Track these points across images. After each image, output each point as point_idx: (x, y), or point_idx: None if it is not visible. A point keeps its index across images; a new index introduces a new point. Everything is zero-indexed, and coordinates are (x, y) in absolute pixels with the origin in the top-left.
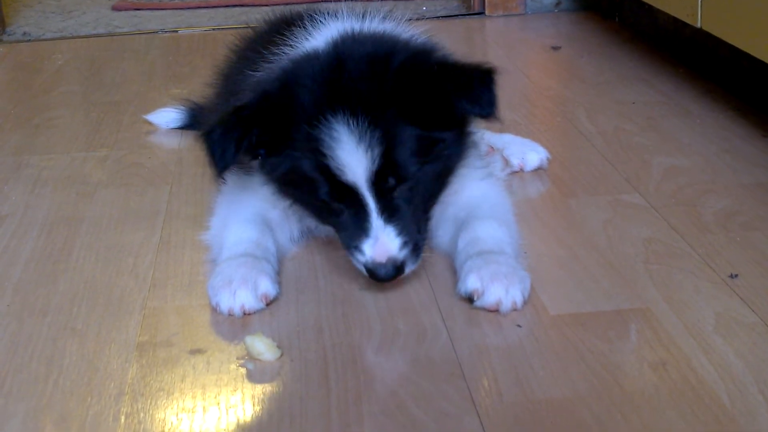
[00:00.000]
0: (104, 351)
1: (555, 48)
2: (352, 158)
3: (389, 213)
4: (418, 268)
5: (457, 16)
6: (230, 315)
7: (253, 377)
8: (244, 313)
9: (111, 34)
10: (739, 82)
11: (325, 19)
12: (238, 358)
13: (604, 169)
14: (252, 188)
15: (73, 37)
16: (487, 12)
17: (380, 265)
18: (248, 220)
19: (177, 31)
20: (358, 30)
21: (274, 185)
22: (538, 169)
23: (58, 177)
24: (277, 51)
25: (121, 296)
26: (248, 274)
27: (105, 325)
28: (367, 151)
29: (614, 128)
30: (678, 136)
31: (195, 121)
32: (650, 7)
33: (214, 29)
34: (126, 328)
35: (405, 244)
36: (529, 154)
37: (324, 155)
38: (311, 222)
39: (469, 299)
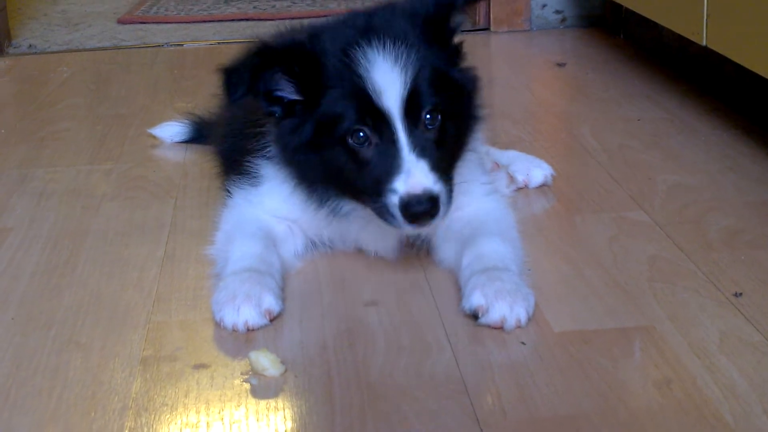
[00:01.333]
0: (108, 365)
1: (560, 64)
2: (388, 80)
3: (421, 148)
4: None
5: (462, 31)
6: (234, 331)
7: (257, 393)
8: (248, 330)
9: (116, 47)
10: (745, 100)
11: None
12: (242, 374)
13: (608, 186)
14: (257, 203)
15: (78, 50)
16: (492, 28)
17: (415, 197)
18: (253, 234)
19: (182, 45)
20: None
21: (294, 155)
22: (542, 186)
23: (63, 190)
24: None
25: (126, 310)
26: (252, 289)
27: (109, 339)
28: (401, 75)
29: (619, 145)
30: (683, 153)
31: (199, 134)
32: (655, 24)
33: (219, 43)
34: (130, 342)
35: (439, 179)
36: (534, 170)
37: (361, 78)
38: (315, 235)
39: (474, 316)
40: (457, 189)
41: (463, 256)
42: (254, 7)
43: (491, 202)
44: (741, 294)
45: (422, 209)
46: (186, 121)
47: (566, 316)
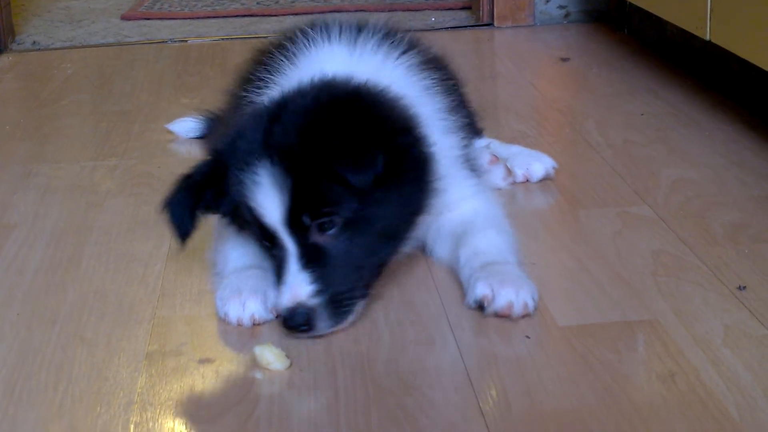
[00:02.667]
0: (113, 360)
1: (564, 59)
2: (268, 201)
3: (308, 259)
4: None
5: (465, 27)
6: (239, 325)
7: (262, 387)
8: (254, 323)
9: (120, 44)
10: (749, 94)
11: (307, 48)
12: (247, 368)
13: (612, 180)
14: None
15: (82, 47)
16: (495, 23)
17: (287, 310)
18: None
19: (186, 41)
20: (319, 77)
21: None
22: (545, 179)
23: (67, 186)
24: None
25: (131, 305)
26: (258, 285)
27: (114, 334)
28: (281, 194)
29: (623, 140)
30: (687, 148)
31: (214, 131)
32: (659, 19)
33: (223, 39)
34: (135, 338)
35: (319, 293)
36: (534, 164)
37: (248, 198)
38: None
39: (480, 308)
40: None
41: (460, 253)
42: (258, 3)
43: (479, 199)
44: (745, 287)
45: (293, 324)
46: (201, 117)
47: (571, 310)
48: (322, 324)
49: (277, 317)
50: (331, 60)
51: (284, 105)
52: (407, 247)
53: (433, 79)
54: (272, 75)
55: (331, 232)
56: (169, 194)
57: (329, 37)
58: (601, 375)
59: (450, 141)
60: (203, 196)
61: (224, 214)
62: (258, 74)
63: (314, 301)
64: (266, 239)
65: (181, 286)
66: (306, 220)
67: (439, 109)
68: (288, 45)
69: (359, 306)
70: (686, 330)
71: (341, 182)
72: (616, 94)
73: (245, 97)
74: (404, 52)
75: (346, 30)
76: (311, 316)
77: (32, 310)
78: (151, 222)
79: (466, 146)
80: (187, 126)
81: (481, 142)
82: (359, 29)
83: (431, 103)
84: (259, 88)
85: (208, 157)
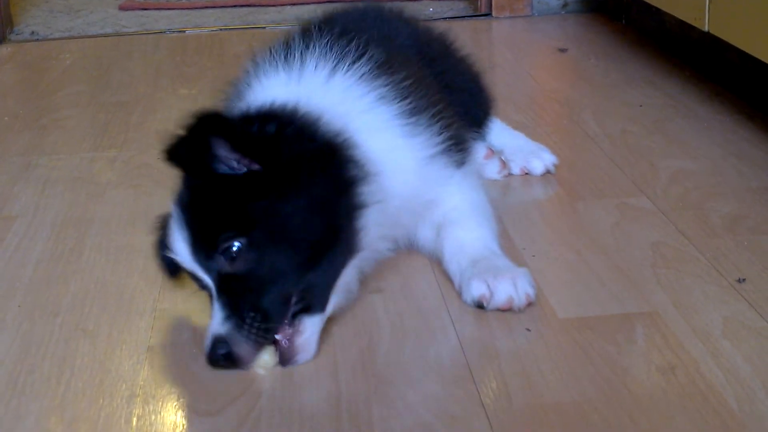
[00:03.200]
0: (116, 352)
1: (562, 50)
2: (177, 245)
3: (224, 289)
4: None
5: (463, 17)
6: None
7: (263, 380)
8: None
9: (118, 34)
10: (747, 85)
11: (255, 77)
12: None
13: (611, 172)
14: None
15: (80, 37)
16: (493, 13)
17: (207, 346)
18: None
19: (184, 31)
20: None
21: None
22: (544, 174)
23: (67, 177)
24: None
25: (132, 297)
26: None
27: (116, 326)
28: (181, 230)
29: (621, 131)
30: (685, 139)
31: None
32: (657, 9)
33: (221, 29)
34: (137, 330)
35: (227, 318)
36: (533, 161)
37: (167, 247)
38: None
39: (479, 306)
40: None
41: (443, 247)
42: None
43: (461, 190)
44: (744, 280)
45: (213, 357)
46: None
47: (570, 302)
48: (241, 349)
49: None
50: (276, 87)
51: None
52: (388, 247)
53: (388, 83)
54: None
55: (237, 255)
56: (157, 237)
57: (277, 62)
58: (601, 367)
59: (416, 142)
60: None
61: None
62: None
63: (226, 328)
64: (200, 286)
65: (182, 277)
66: (209, 253)
67: (395, 116)
68: (244, 75)
69: (309, 324)
70: (686, 322)
71: (231, 205)
72: (614, 85)
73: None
74: (354, 61)
75: (295, 48)
76: (230, 351)
77: (34, 302)
78: (152, 214)
79: (447, 139)
80: None
81: (490, 125)
82: (308, 44)
83: (380, 113)
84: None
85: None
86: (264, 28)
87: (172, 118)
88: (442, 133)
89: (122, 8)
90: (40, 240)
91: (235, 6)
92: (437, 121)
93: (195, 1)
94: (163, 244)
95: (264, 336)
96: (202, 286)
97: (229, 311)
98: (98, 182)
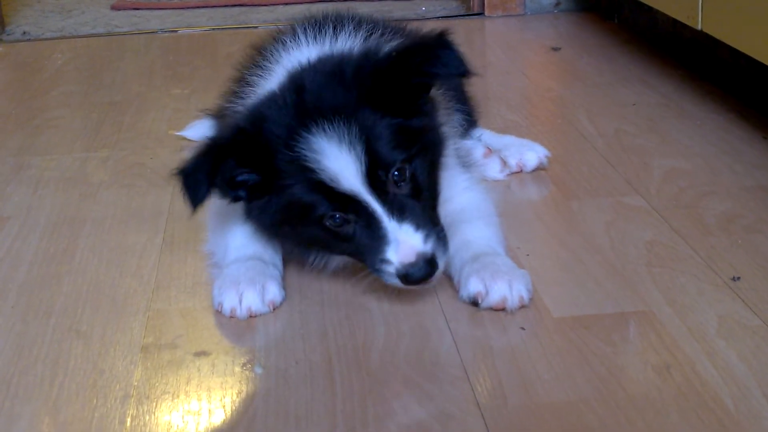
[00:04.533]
0: (109, 353)
1: (555, 49)
2: (341, 163)
3: (399, 212)
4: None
5: (456, 16)
6: (232, 316)
7: (258, 380)
8: (250, 315)
9: (110, 34)
10: (740, 84)
11: (289, 46)
12: (243, 361)
13: (605, 171)
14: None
15: (72, 37)
16: (486, 13)
17: (411, 265)
18: None
19: (176, 31)
20: (316, 56)
21: (271, 230)
22: (538, 169)
23: (59, 178)
24: (247, 84)
25: (125, 298)
26: (256, 277)
27: (109, 327)
28: (351, 152)
29: (615, 130)
30: (678, 137)
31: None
32: (650, 8)
33: (213, 29)
34: (131, 330)
35: (427, 236)
36: (527, 153)
37: (314, 171)
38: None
39: (474, 303)
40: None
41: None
42: None
43: (470, 191)
44: (739, 278)
45: (422, 275)
46: (210, 118)
47: (565, 301)
48: (441, 261)
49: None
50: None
51: (299, 80)
52: None
53: None
54: (251, 83)
55: (404, 181)
56: (186, 160)
57: (306, 34)
58: (596, 366)
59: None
60: (224, 162)
61: (266, 210)
62: (248, 75)
63: (430, 245)
64: (344, 210)
65: (176, 278)
66: (381, 173)
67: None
68: (273, 45)
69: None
70: (681, 321)
71: (399, 130)
72: (607, 84)
73: (240, 95)
74: (383, 37)
75: (320, 25)
76: (432, 260)
77: (27, 303)
78: (145, 214)
79: (460, 136)
80: (200, 130)
81: (476, 133)
82: (335, 22)
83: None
84: (242, 97)
85: (229, 130)
86: (256, 27)
87: (165, 117)
88: (460, 126)
89: (114, 8)
90: (32, 241)
91: (227, 6)
92: (459, 114)
93: (187, 0)
94: (199, 169)
95: (446, 243)
96: (337, 208)
97: (422, 229)
98: (91, 182)
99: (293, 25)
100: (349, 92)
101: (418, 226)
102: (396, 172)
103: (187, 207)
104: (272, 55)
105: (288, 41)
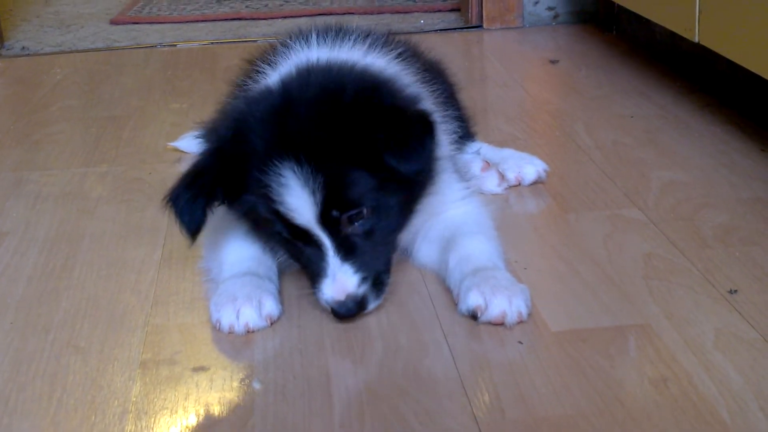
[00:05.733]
0: (107, 368)
1: (553, 61)
2: (300, 202)
3: (346, 250)
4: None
5: (455, 29)
6: (231, 332)
7: (256, 395)
8: (248, 331)
9: (109, 48)
10: (737, 96)
11: (288, 49)
12: (242, 376)
13: (602, 183)
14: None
15: (71, 52)
16: (484, 25)
17: (340, 303)
18: (245, 238)
19: (175, 45)
20: (315, 62)
21: (246, 226)
22: (536, 183)
23: (58, 193)
24: (243, 85)
25: (124, 313)
26: (253, 292)
27: (108, 343)
28: (312, 195)
29: (613, 142)
30: (676, 150)
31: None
32: (648, 20)
33: (212, 43)
34: (129, 346)
35: (364, 279)
36: (526, 167)
37: (273, 200)
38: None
39: (473, 316)
40: (431, 198)
41: (449, 258)
42: (246, 7)
43: (467, 205)
44: (736, 291)
45: (346, 313)
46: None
47: (563, 314)
48: (371, 305)
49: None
50: (311, 56)
51: (288, 95)
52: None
53: (419, 72)
54: (247, 83)
55: (360, 221)
56: (175, 189)
57: (308, 39)
58: (593, 380)
59: (442, 138)
60: (213, 192)
61: (234, 211)
62: (245, 82)
63: (362, 289)
64: (296, 237)
65: (174, 293)
66: (336, 214)
67: (431, 103)
68: (272, 51)
69: (389, 279)
70: (678, 334)
71: (371, 171)
72: (605, 96)
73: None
74: (386, 44)
75: (323, 33)
76: (361, 302)
77: (26, 318)
78: (144, 229)
79: (457, 148)
80: (192, 141)
81: (473, 146)
82: (338, 30)
83: (416, 89)
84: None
85: (212, 151)
86: (255, 41)
87: (163, 132)
88: (457, 137)
89: (113, 22)
90: (31, 256)
91: (226, 20)
92: (456, 124)
93: (186, 14)
94: (190, 199)
95: (381, 290)
96: (296, 237)
97: (360, 272)
98: (89, 197)
99: (300, 30)
100: (330, 132)
101: (358, 269)
102: (353, 213)
103: (184, 236)
104: (280, 53)
105: (294, 45)
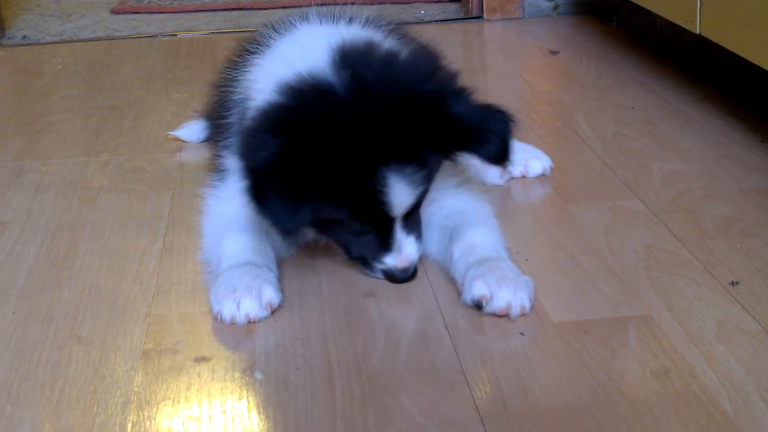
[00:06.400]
0: (110, 358)
1: (553, 52)
2: (402, 199)
3: (409, 226)
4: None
5: (455, 20)
6: (233, 323)
7: (258, 385)
8: (249, 322)
9: (110, 38)
10: (738, 87)
11: (295, 28)
12: (243, 367)
13: (604, 174)
14: (228, 199)
15: (72, 41)
16: (485, 16)
17: (401, 270)
18: (242, 228)
19: (176, 35)
20: (349, 43)
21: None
22: (540, 176)
23: (60, 182)
24: (250, 65)
25: (126, 303)
26: (252, 282)
27: (110, 333)
28: (413, 193)
29: (613, 133)
30: (677, 141)
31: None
32: (648, 11)
33: (213, 33)
34: (131, 336)
35: (419, 247)
36: (532, 161)
37: (380, 203)
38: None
39: (477, 306)
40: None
41: (453, 248)
42: None
43: (465, 192)
44: (737, 282)
45: (406, 277)
46: (203, 117)
47: (564, 306)
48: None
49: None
50: (320, 34)
51: (356, 89)
52: None
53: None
54: (258, 55)
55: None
56: (267, 187)
57: (309, 18)
58: (595, 371)
59: None
60: (312, 196)
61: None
62: (242, 59)
63: (418, 254)
64: (374, 225)
65: (176, 283)
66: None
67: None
68: (273, 28)
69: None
70: (679, 325)
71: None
72: (605, 87)
73: (233, 81)
74: (390, 29)
75: (327, 13)
76: (415, 268)
77: (28, 308)
78: (145, 218)
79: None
80: (192, 130)
81: None
82: (340, 13)
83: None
84: (245, 68)
85: (292, 147)
86: (256, 31)
87: (164, 121)
88: None
89: (114, 12)
90: (33, 245)
91: (226, 9)
92: None
93: (187, 4)
94: (308, 216)
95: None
96: (370, 223)
97: (417, 243)
98: (91, 187)
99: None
100: (418, 133)
101: (416, 238)
102: (420, 196)
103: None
104: (279, 33)
105: (297, 22)
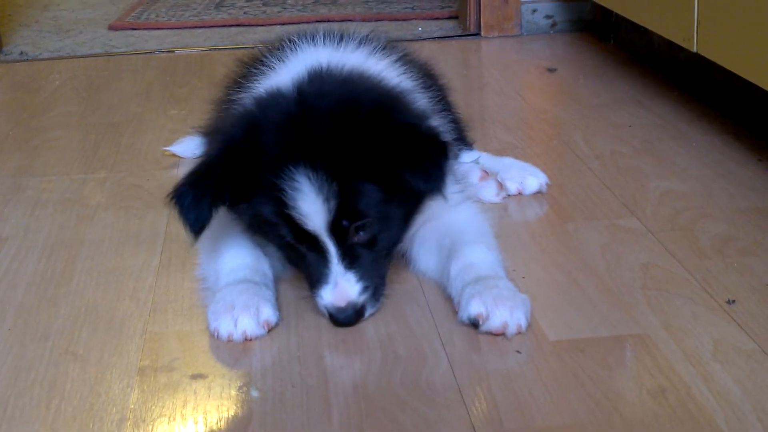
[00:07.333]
0: (106, 376)
1: (551, 70)
2: (312, 209)
3: (350, 259)
4: (398, 303)
5: (452, 37)
6: (230, 341)
7: (254, 403)
8: (246, 339)
9: (108, 54)
10: (735, 105)
11: (294, 49)
12: (240, 384)
13: (601, 192)
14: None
15: (70, 57)
16: (482, 33)
17: (340, 309)
18: (241, 245)
19: (174, 51)
20: (326, 66)
21: (243, 227)
22: (536, 193)
23: (57, 199)
24: (248, 84)
25: (122, 320)
26: (250, 300)
27: (106, 350)
28: (325, 203)
29: (611, 151)
30: (674, 159)
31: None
32: (646, 30)
33: (210, 49)
34: (127, 353)
35: (365, 289)
36: (529, 179)
37: (286, 205)
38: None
39: (473, 325)
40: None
41: (450, 266)
42: (245, 13)
43: (464, 210)
44: (734, 301)
45: (345, 320)
46: (199, 133)
47: (561, 324)
48: (368, 312)
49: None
50: (318, 57)
51: (304, 101)
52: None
53: (418, 77)
54: (252, 82)
55: (366, 231)
56: (180, 186)
57: (314, 40)
58: (592, 390)
59: None
60: (222, 192)
61: (237, 212)
62: (245, 79)
63: (362, 298)
64: (300, 242)
65: (173, 300)
66: (345, 223)
67: (426, 107)
68: (274, 50)
69: (385, 288)
70: (676, 344)
71: (382, 184)
72: (603, 105)
73: (233, 101)
74: (385, 48)
75: (326, 36)
76: (360, 310)
77: (24, 325)
78: (142, 235)
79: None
80: (188, 146)
81: (471, 155)
82: (341, 34)
83: (419, 99)
84: (248, 90)
85: (222, 150)
86: (254, 47)
87: (162, 138)
88: (451, 141)
89: (112, 28)
90: (30, 262)
91: (224, 26)
92: (450, 129)
93: (185, 20)
94: (197, 197)
95: (378, 299)
96: (302, 242)
97: (362, 282)
98: (88, 204)
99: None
100: (346, 144)
101: (360, 278)
102: (361, 223)
103: (187, 233)
104: (281, 56)
105: (300, 44)
